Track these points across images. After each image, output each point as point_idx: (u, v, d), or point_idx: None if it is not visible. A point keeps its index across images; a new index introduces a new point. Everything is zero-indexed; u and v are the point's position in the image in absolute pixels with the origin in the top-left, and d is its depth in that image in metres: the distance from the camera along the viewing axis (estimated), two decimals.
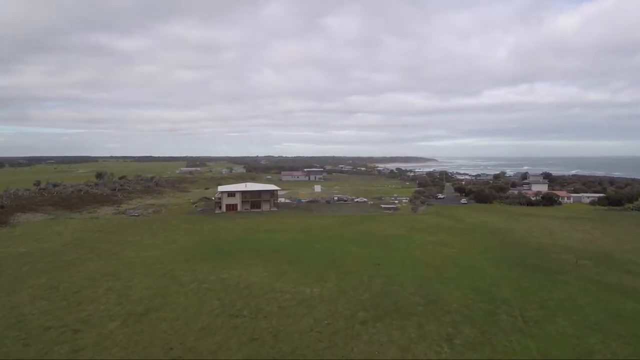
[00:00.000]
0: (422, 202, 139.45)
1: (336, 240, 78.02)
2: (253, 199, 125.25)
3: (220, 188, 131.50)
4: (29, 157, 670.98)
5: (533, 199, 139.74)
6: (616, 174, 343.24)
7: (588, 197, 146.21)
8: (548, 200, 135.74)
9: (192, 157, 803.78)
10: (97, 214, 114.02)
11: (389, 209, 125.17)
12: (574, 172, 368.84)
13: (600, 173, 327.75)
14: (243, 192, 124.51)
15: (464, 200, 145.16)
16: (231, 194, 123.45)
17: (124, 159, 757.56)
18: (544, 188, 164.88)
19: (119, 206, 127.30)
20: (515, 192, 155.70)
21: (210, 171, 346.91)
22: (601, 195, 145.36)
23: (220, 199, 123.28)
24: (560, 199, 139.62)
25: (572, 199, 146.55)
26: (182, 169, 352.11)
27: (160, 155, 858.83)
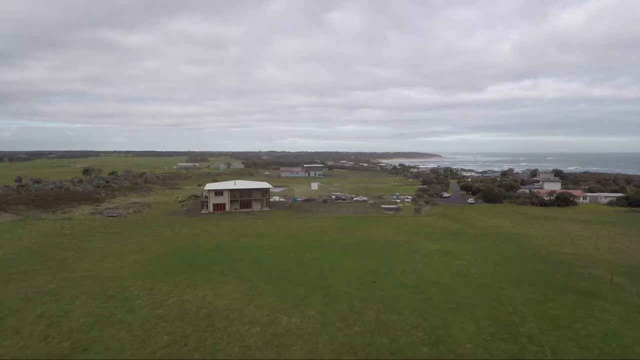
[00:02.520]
0: (426, 202, 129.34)
1: (328, 249, 68.21)
2: (243, 198, 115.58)
3: (208, 186, 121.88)
4: (34, 151, 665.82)
5: (546, 198, 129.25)
6: (617, 170, 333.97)
7: (606, 197, 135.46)
8: (563, 201, 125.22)
9: (195, 152, 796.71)
10: (71, 214, 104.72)
11: (389, 209, 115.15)
12: (572, 168, 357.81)
13: (600, 169, 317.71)
14: (232, 191, 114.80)
15: (471, 200, 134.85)
16: (219, 192, 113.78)
17: (128, 153, 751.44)
18: (557, 187, 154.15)
19: (98, 205, 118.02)
20: (527, 191, 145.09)
21: (208, 167, 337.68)
22: (620, 195, 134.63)
23: (207, 198, 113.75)
24: (575, 199, 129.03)
25: (588, 198, 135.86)
26: (179, 164, 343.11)
27: (164, 150, 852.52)
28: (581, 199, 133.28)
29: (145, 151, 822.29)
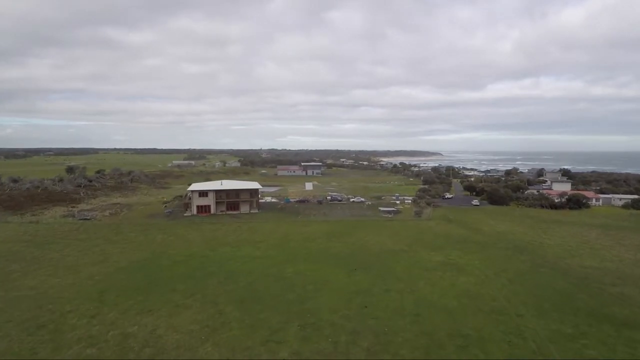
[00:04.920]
0: (428, 204, 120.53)
1: (316, 261, 59.59)
2: (229, 200, 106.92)
3: (192, 187, 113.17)
4: (35, 148, 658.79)
5: (557, 200, 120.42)
6: (608, 168, 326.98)
7: (620, 198, 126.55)
8: (575, 203, 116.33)
9: (195, 149, 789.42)
10: (41, 216, 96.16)
11: (388, 212, 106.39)
12: (568, 167, 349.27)
13: (597, 168, 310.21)
14: (217, 192, 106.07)
15: (475, 202, 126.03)
16: (203, 193, 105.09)
17: (128, 151, 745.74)
18: (566, 187, 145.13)
19: (74, 207, 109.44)
20: (535, 192, 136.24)
21: (204, 165, 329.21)
22: (635, 197, 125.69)
23: (191, 199, 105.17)
24: (588, 201, 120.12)
25: (601, 200, 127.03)
26: (173, 162, 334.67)
27: (165, 148, 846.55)
28: (594, 200, 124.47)
29: (145, 149, 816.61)
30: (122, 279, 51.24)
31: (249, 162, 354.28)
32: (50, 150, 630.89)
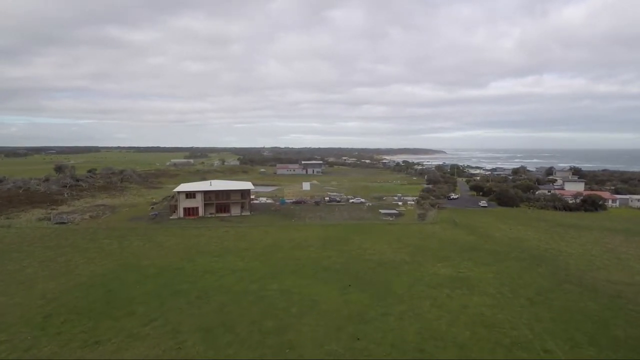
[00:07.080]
0: (432, 205, 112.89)
1: (305, 275, 52.25)
2: (219, 201, 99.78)
3: (180, 187, 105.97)
4: (39, 147, 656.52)
5: (571, 201, 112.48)
6: (611, 165, 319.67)
7: (639, 199, 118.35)
8: (591, 205, 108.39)
9: (198, 147, 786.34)
10: (15, 220, 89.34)
11: (389, 215, 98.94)
12: (564, 165, 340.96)
13: (596, 166, 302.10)
14: (206, 193, 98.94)
15: (483, 203, 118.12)
16: (191, 194, 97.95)
17: (131, 149, 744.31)
18: (579, 187, 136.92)
19: (54, 209, 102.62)
20: (547, 192, 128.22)
21: (202, 163, 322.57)
22: None
23: (177, 201, 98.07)
24: (604, 203, 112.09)
25: (617, 202, 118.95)
26: (172, 160, 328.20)
27: (167, 146, 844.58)
28: (610, 202, 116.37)
29: (148, 147, 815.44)
30: (77, 297, 44.12)
31: (249, 160, 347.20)
32: (52, 148, 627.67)
